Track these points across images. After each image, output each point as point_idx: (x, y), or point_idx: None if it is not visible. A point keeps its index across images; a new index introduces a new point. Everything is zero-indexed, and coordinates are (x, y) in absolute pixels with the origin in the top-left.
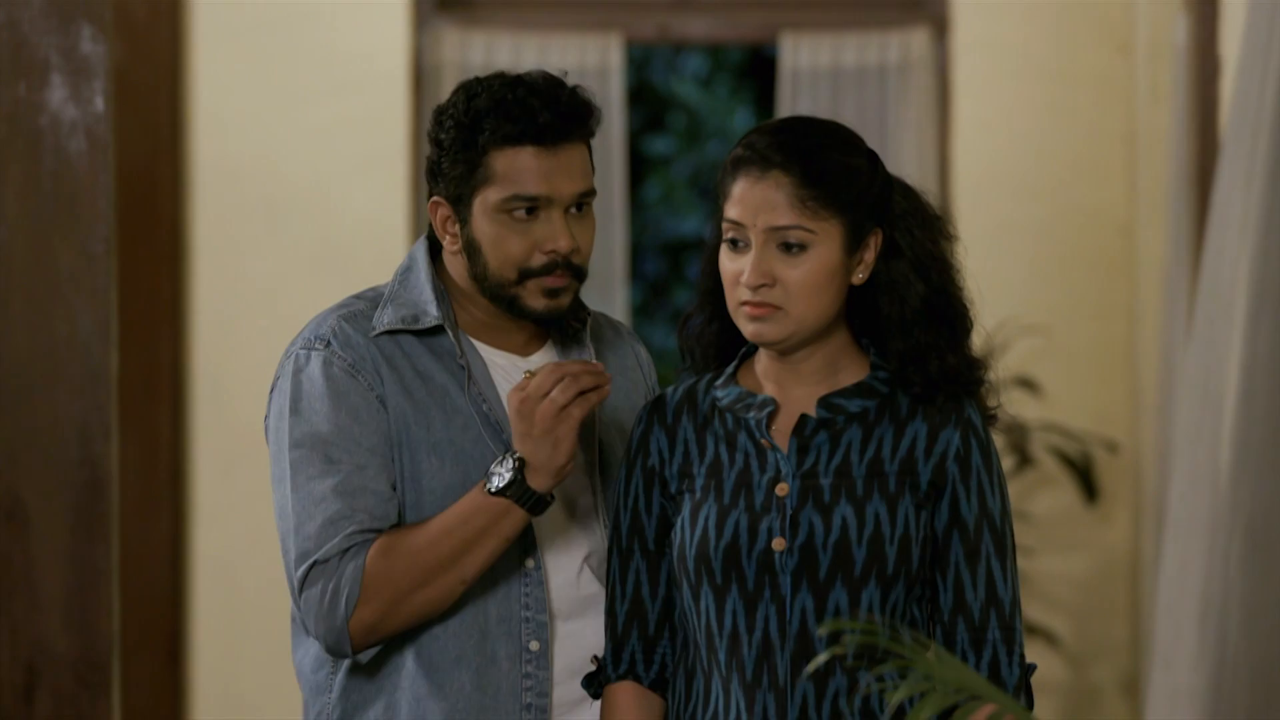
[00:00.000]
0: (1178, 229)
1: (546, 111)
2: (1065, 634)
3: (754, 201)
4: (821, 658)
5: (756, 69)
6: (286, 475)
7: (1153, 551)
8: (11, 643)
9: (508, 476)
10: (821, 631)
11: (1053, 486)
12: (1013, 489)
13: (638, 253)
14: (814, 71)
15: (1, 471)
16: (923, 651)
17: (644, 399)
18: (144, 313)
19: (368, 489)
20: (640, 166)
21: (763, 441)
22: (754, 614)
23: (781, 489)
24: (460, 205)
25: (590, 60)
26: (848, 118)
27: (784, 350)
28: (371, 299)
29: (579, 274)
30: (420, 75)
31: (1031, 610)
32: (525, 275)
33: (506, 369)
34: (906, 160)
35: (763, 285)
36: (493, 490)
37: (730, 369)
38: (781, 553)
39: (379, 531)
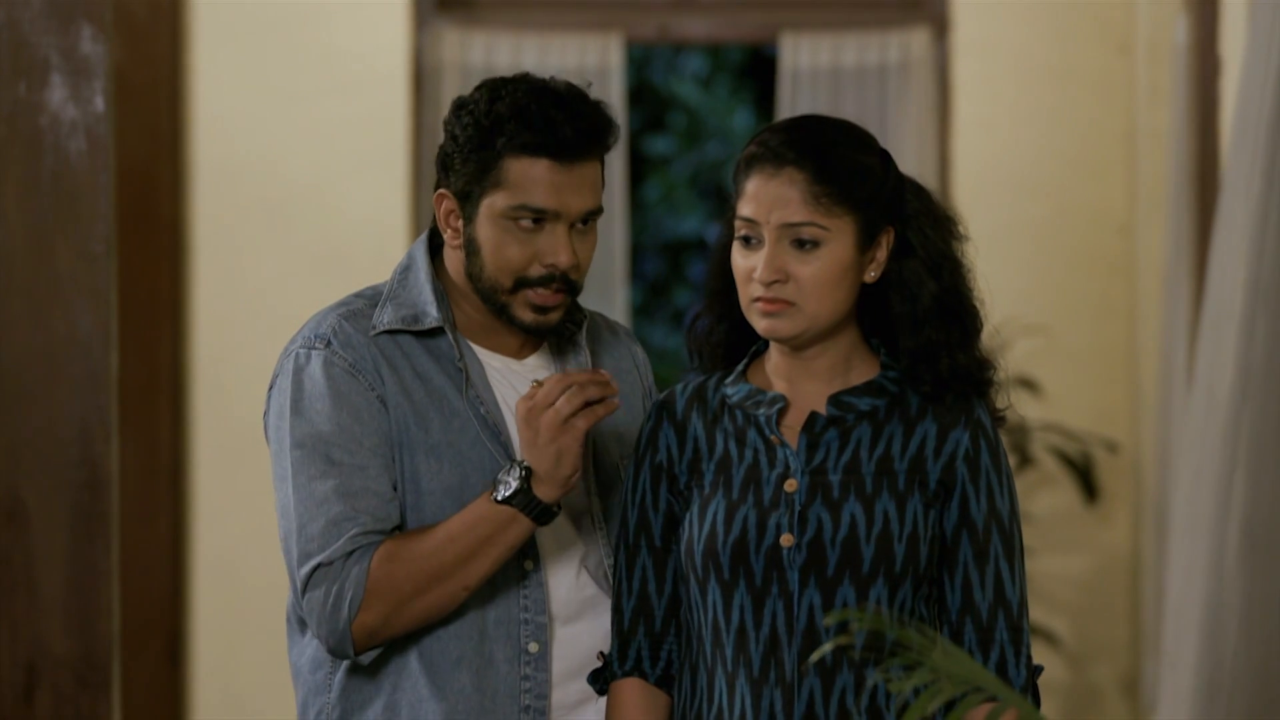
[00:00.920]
0: (1178, 229)
1: (568, 126)
2: (1065, 634)
3: (767, 198)
4: (826, 647)
5: (756, 69)
6: (288, 475)
7: (1153, 551)
8: (11, 643)
9: (514, 485)
10: (827, 622)
11: (1053, 486)
12: None
13: (638, 253)
14: (814, 71)
15: (1, 471)
16: (929, 645)
17: (641, 399)
18: (144, 313)
19: (370, 489)
20: (640, 166)
21: (772, 438)
22: (761, 609)
23: (790, 485)
24: (467, 203)
25: (590, 60)
26: (848, 118)
27: (796, 346)
28: (370, 298)
29: (573, 289)
30: (420, 75)
31: (1032, 610)
32: (520, 284)
33: (502, 371)
34: (906, 160)
35: (776, 281)
36: (499, 499)
37: (740, 367)
38: (789, 548)
39: (382, 533)
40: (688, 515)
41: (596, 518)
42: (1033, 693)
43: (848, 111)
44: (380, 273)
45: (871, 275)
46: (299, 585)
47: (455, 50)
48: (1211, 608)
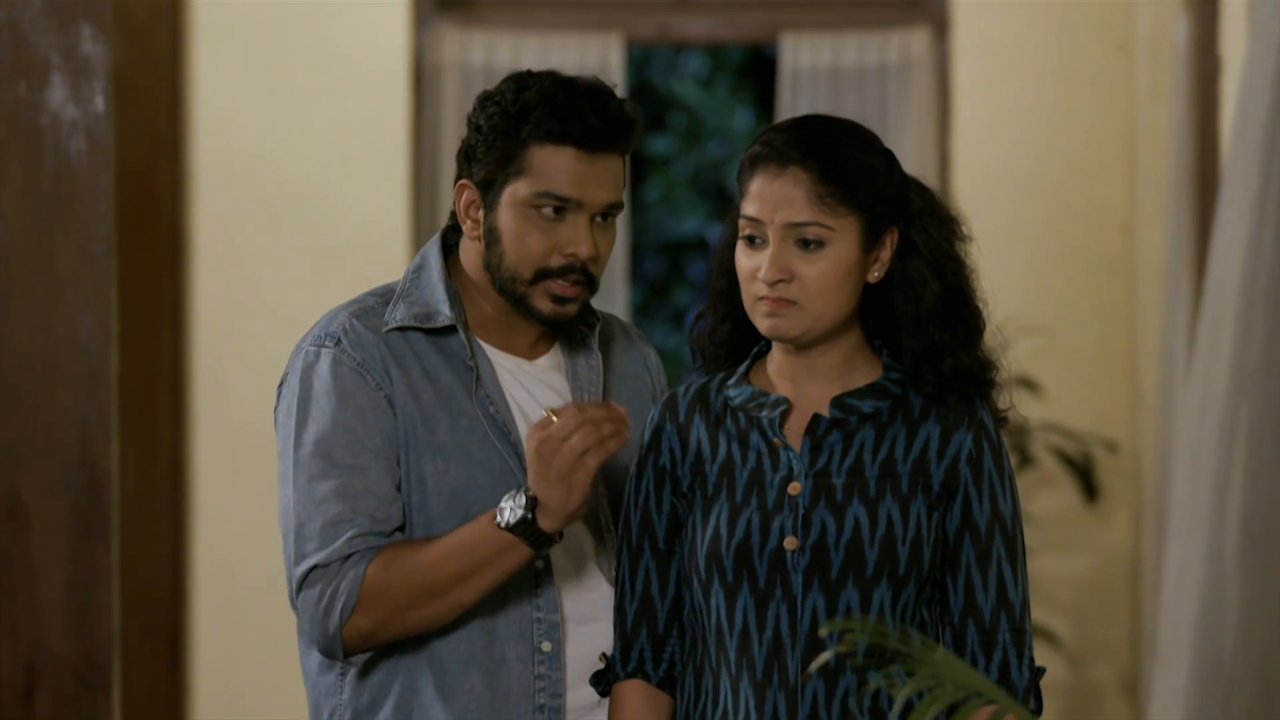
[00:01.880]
0: (1178, 229)
1: (594, 116)
2: (1065, 634)
3: (772, 198)
4: (824, 656)
5: (756, 69)
6: (290, 474)
7: (1153, 551)
8: (11, 643)
9: (519, 514)
10: (823, 632)
11: (1053, 486)
12: None
13: (638, 253)
14: (814, 71)
15: (2, 471)
16: (929, 652)
17: (652, 404)
18: (144, 313)
19: (370, 491)
20: (640, 166)
21: (775, 440)
22: (765, 612)
23: (794, 488)
24: (489, 192)
25: (590, 60)
26: (848, 118)
27: (799, 347)
28: (383, 295)
29: (592, 283)
30: (420, 75)
31: (1032, 610)
32: (540, 275)
33: (513, 371)
34: (907, 160)
35: (780, 281)
36: (502, 525)
37: (742, 368)
38: (793, 551)
39: (382, 534)
40: (691, 518)
41: (606, 519)
42: (1035, 694)
43: (848, 112)
44: (380, 273)
45: (875, 275)
46: (293, 584)
47: (455, 50)
48: (1207, 606)
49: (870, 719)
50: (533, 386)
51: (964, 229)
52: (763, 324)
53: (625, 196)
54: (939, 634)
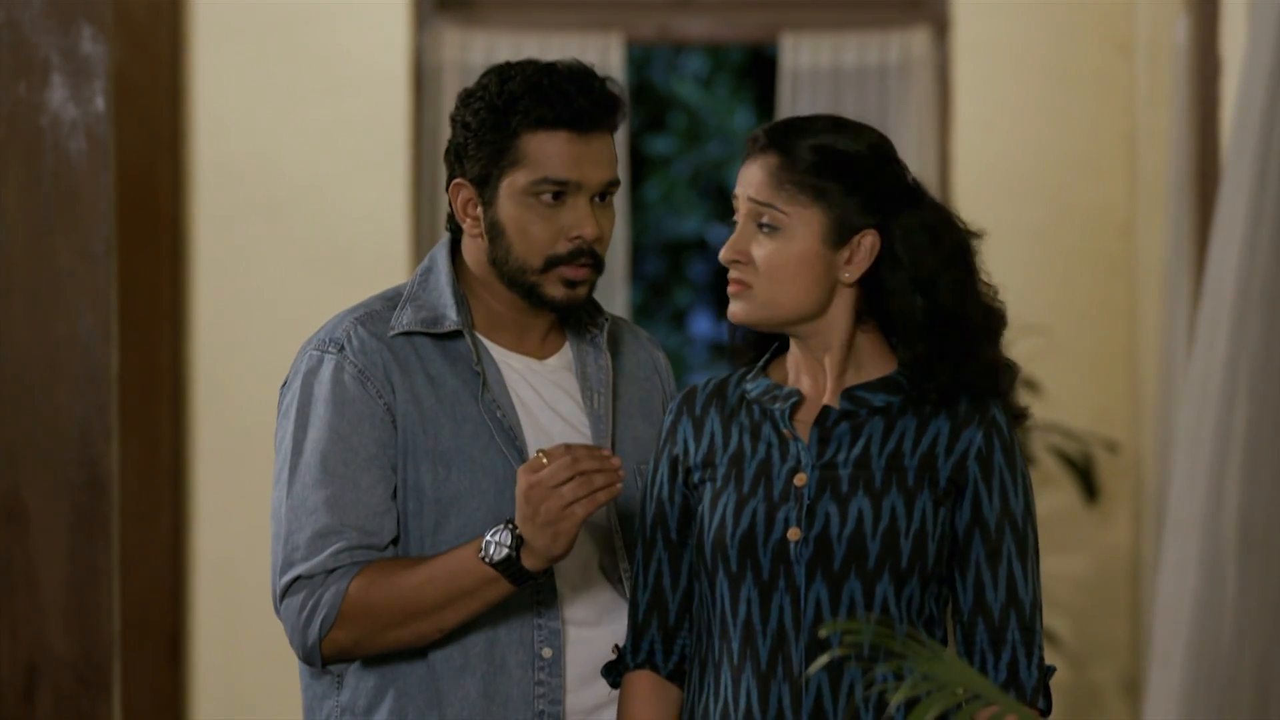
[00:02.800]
0: (1178, 228)
1: (582, 98)
2: (1065, 634)
3: (743, 178)
4: (824, 659)
5: (757, 69)
6: (284, 478)
7: (1153, 551)
8: (12, 642)
9: (504, 552)
10: (823, 632)
11: (1053, 486)
12: None
13: (638, 253)
14: (814, 71)
15: (2, 471)
16: (928, 651)
17: (661, 405)
18: (144, 313)
19: (361, 503)
20: (640, 166)
21: (785, 431)
22: (769, 604)
23: (800, 479)
24: (485, 187)
25: (590, 60)
26: (848, 117)
27: (774, 332)
28: (390, 299)
29: (599, 264)
30: (420, 75)
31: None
32: (551, 263)
33: (523, 373)
34: (907, 160)
35: (735, 261)
36: (486, 559)
37: (761, 362)
38: (797, 543)
39: (370, 549)
40: (700, 508)
41: (613, 522)
42: (1045, 694)
43: (848, 112)
44: (380, 273)
45: (847, 276)
46: (277, 591)
47: (455, 50)
48: (1203, 606)
49: (876, 713)
50: (543, 387)
51: (972, 244)
52: (729, 308)
53: (624, 197)
54: (947, 631)
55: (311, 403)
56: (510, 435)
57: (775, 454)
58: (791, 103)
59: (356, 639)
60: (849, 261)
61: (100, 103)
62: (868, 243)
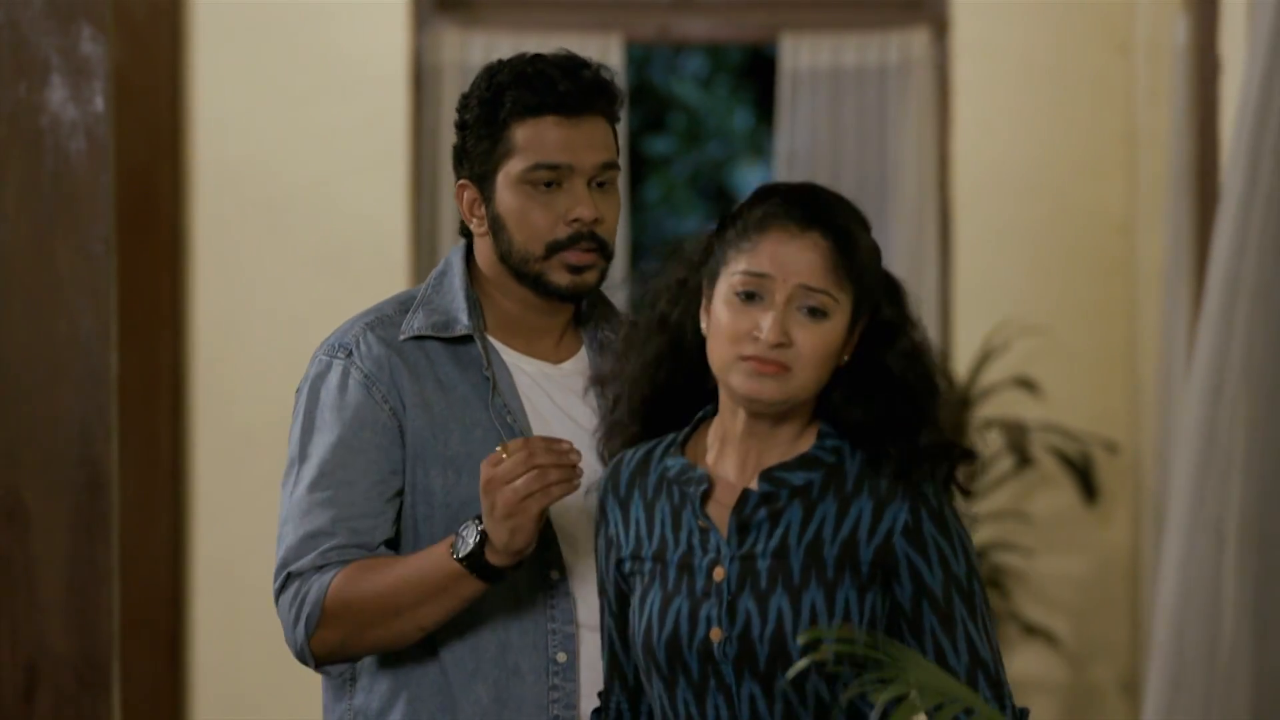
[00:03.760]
0: (1177, 229)
1: (566, 81)
2: (1065, 634)
3: (787, 258)
4: (802, 663)
5: (756, 69)
6: (289, 482)
7: (1152, 551)
8: (12, 642)
9: (470, 546)
10: (802, 639)
11: (1052, 486)
12: (1012, 489)
13: (638, 253)
14: (814, 72)
15: (2, 471)
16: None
17: None
18: (144, 313)
19: (355, 505)
20: (640, 166)
21: (699, 522)
22: (704, 703)
23: (719, 573)
24: (485, 183)
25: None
26: (848, 118)
27: (763, 415)
28: (404, 302)
29: (605, 250)
30: (420, 76)
31: (1032, 610)
32: (552, 249)
33: (536, 378)
34: (906, 160)
35: (780, 344)
36: (455, 556)
37: (682, 436)
38: (720, 643)
39: (360, 548)
40: (633, 602)
41: None
42: None
43: (848, 112)
44: (380, 273)
45: (846, 359)
46: (275, 589)
47: (455, 51)
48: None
49: None
50: (556, 392)
51: (918, 322)
52: (744, 385)
53: (625, 197)
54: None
55: (318, 408)
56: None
57: (696, 543)
58: (791, 103)
59: (343, 638)
60: (849, 343)
61: (100, 103)
62: (863, 324)
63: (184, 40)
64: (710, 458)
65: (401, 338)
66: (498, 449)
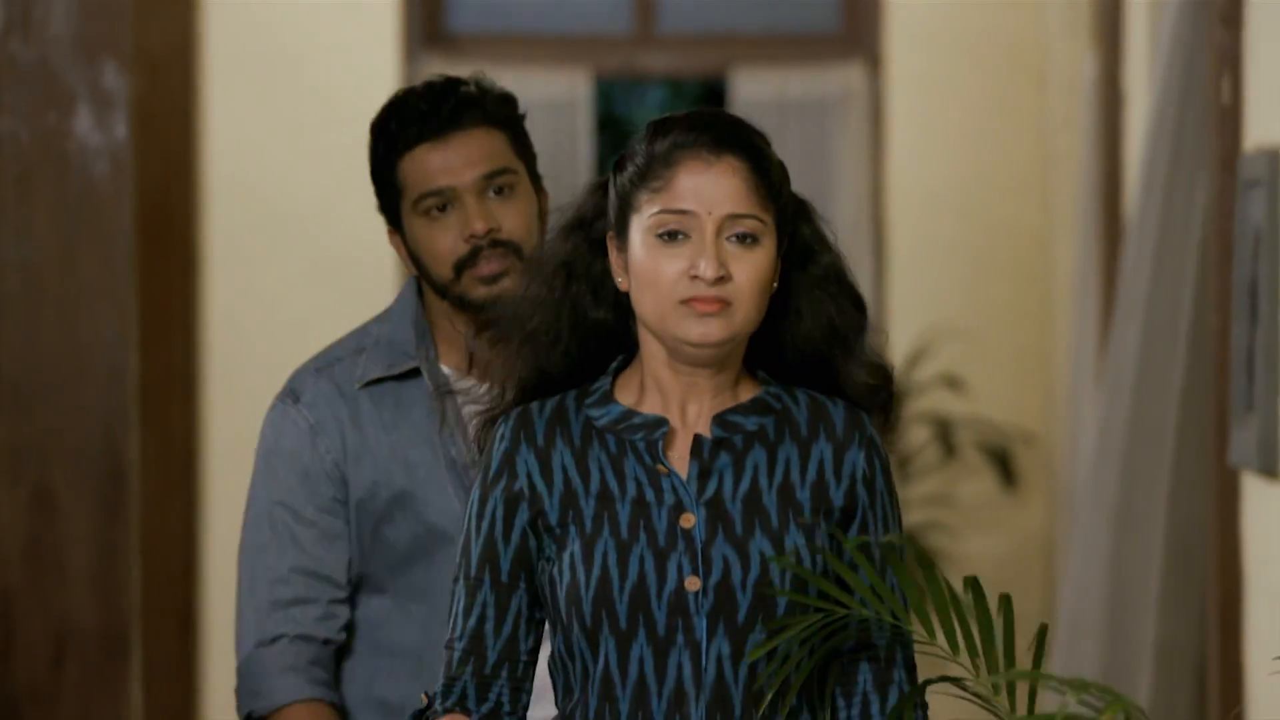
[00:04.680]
0: (1086, 242)
1: (424, 104)
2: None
3: (706, 188)
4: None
5: (711, 101)
6: (246, 527)
7: (1064, 532)
8: (43, 616)
9: None
10: (778, 565)
11: (975, 474)
12: (939, 477)
13: None
14: (761, 103)
15: (33, 462)
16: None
17: None
18: (162, 319)
19: (303, 570)
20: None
21: (658, 467)
22: (664, 661)
23: (687, 520)
24: (399, 225)
25: (561, 91)
26: (792, 145)
27: (707, 363)
28: (359, 342)
29: (519, 252)
30: None
31: (956, 584)
32: (460, 268)
33: (479, 399)
34: (845, 183)
35: (720, 279)
36: None
37: (603, 386)
38: (696, 593)
39: (311, 641)
40: (566, 556)
41: None
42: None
43: (793, 140)
44: (373, 282)
45: (775, 286)
46: (250, 643)
47: None
48: (1103, 581)
49: None
50: None
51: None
52: (692, 331)
53: (517, 165)
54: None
55: (267, 454)
56: (461, 474)
57: (648, 492)
58: None
59: None
60: (777, 270)
61: (122, 130)
62: (781, 250)
63: (198, 74)
64: (641, 406)
65: (356, 385)
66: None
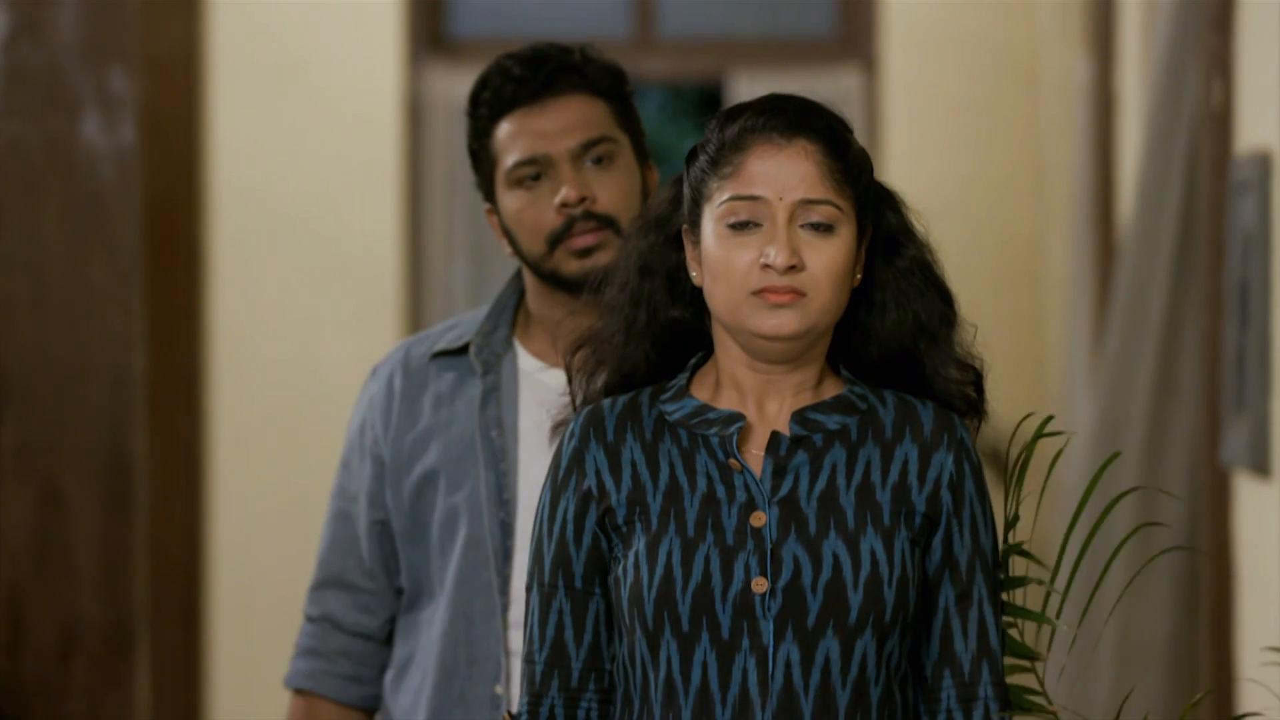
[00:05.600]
0: (1079, 246)
1: (521, 68)
2: None
3: (778, 172)
4: None
5: (709, 105)
6: (342, 464)
7: (1056, 533)
8: (51, 611)
9: None
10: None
11: None
12: None
13: None
14: None
15: (42, 460)
16: None
17: None
18: (167, 320)
19: (343, 553)
20: None
21: (731, 462)
22: (729, 666)
23: (758, 518)
24: (493, 198)
25: None
26: None
27: (783, 359)
28: (452, 323)
29: (613, 225)
30: (412, 109)
31: None
32: (553, 241)
33: (554, 389)
34: None
35: (792, 268)
36: None
37: (680, 381)
38: (763, 595)
39: (345, 631)
40: (631, 555)
41: None
42: None
43: None
44: (373, 284)
45: (859, 278)
46: (308, 596)
47: (442, 86)
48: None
49: None
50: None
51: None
52: (764, 323)
53: (623, 140)
54: (915, 690)
55: (350, 423)
56: (497, 457)
57: (719, 488)
58: None
59: None
60: (860, 261)
61: (129, 134)
62: (867, 239)
63: (204, 78)
64: (719, 402)
65: (426, 358)
66: (505, 715)
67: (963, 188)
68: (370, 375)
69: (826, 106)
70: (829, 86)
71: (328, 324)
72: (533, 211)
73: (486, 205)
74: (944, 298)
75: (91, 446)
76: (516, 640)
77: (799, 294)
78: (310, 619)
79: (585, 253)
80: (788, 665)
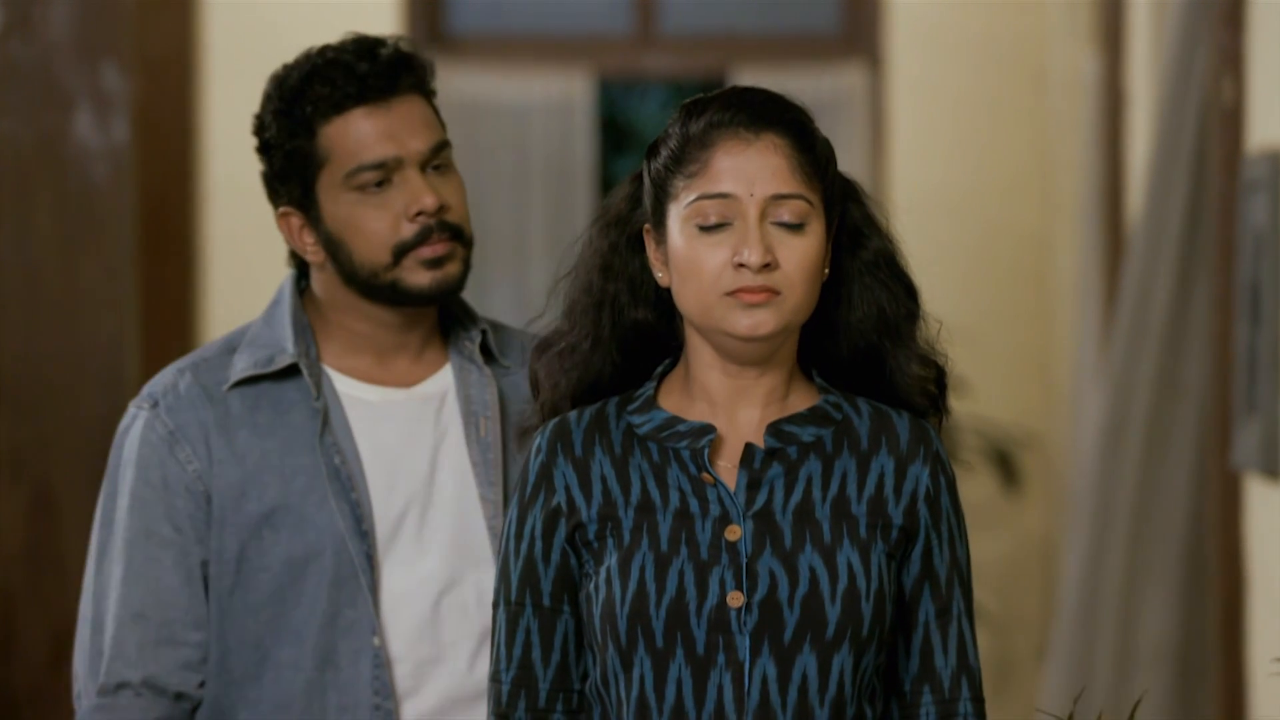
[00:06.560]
0: (1087, 244)
1: (364, 63)
2: (991, 607)
3: (747, 168)
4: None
5: None
6: (93, 554)
7: (1065, 533)
8: (42, 617)
9: None
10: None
11: (977, 475)
12: None
13: None
14: None
15: (34, 463)
16: None
17: None
18: (161, 319)
19: (158, 606)
20: (607, 189)
21: (703, 475)
22: (704, 684)
23: (733, 532)
24: (307, 203)
25: (562, 93)
26: None
27: (759, 355)
28: (229, 342)
29: (461, 236)
30: None
31: None
32: (400, 252)
33: (380, 406)
34: None
35: (766, 266)
36: None
37: (646, 391)
38: (739, 609)
39: (167, 695)
40: (603, 571)
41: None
42: None
43: None
44: None
45: (826, 273)
46: (93, 688)
47: (441, 82)
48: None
49: None
50: (406, 422)
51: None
52: (740, 324)
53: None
54: (886, 704)
55: (121, 465)
56: (346, 486)
57: (692, 502)
58: None
59: None
60: (828, 255)
61: (122, 132)
62: (831, 233)
63: (199, 76)
64: (689, 414)
65: (224, 386)
66: None
67: (969, 186)
68: (146, 408)
69: (788, 98)
70: (833, 83)
71: None
72: (375, 219)
73: (283, 209)
74: (908, 291)
75: (84, 449)
76: (396, 676)
77: (773, 293)
78: (113, 690)
79: (436, 263)
80: (764, 681)
